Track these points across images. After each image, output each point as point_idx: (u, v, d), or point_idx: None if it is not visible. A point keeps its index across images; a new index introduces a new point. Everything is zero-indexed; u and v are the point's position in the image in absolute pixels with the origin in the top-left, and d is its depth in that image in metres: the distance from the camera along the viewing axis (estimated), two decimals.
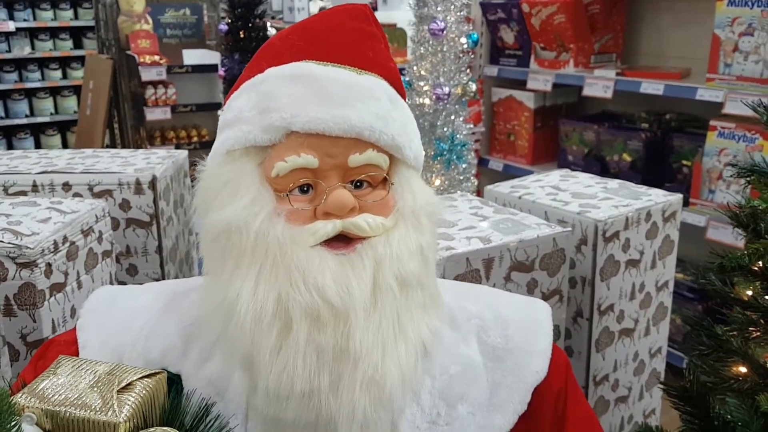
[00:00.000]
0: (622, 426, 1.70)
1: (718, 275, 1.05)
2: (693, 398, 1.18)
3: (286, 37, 0.83)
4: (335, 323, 0.71)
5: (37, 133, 6.17)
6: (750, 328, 1.00)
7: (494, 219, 1.45)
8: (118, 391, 0.69)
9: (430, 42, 1.82)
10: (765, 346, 1.00)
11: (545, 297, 1.41)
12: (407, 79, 1.86)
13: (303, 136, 0.74)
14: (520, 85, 3.53)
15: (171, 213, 1.93)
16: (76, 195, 1.74)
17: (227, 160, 0.78)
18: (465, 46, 1.87)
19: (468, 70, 1.90)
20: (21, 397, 0.68)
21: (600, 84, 3.13)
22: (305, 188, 0.76)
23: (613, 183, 1.72)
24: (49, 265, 1.37)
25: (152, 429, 0.68)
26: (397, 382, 0.72)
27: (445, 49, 1.83)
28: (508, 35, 3.62)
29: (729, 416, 1.13)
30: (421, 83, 1.85)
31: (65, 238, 1.43)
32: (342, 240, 0.75)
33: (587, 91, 3.16)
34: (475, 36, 1.85)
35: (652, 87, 2.88)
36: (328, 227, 0.74)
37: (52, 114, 6.13)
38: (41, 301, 1.36)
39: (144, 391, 0.70)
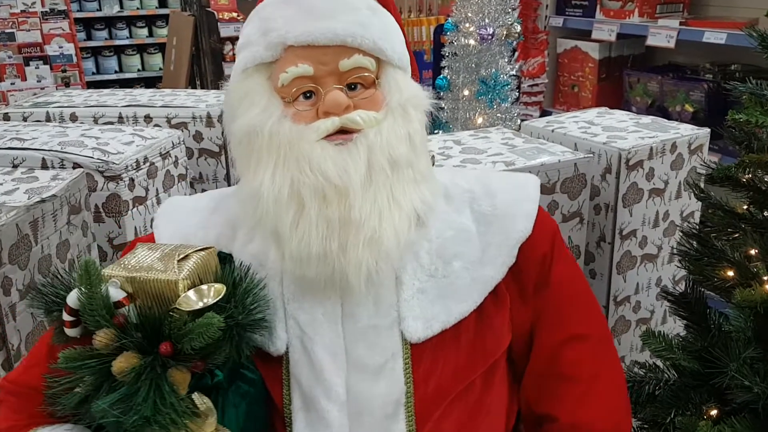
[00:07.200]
0: (644, 347, 1.80)
1: (707, 185, 1.15)
2: (691, 304, 1.30)
3: None
4: (338, 199, 0.88)
5: (126, 89, 6.58)
6: (729, 230, 1.10)
7: (522, 147, 1.57)
8: (178, 260, 0.89)
9: None
10: (745, 247, 1.10)
11: (565, 218, 1.53)
12: (453, 20, 1.98)
13: (298, 49, 0.90)
14: (586, 35, 3.54)
15: None
16: (156, 126, 1.97)
17: (243, 77, 0.95)
18: None
19: (513, 12, 1.99)
20: (107, 268, 0.90)
21: (663, 33, 3.11)
22: (308, 94, 0.92)
23: (646, 119, 1.80)
24: (132, 180, 1.60)
25: (204, 285, 0.88)
26: (393, 240, 0.89)
27: None
28: None
29: (729, 325, 1.25)
30: (467, 24, 1.96)
31: (146, 159, 1.66)
32: (342, 133, 0.91)
33: (651, 41, 3.15)
34: None
35: (714, 36, 2.85)
36: (327, 123, 0.90)
37: (139, 70, 6.49)
38: (125, 210, 1.59)
39: (199, 260, 0.91)
